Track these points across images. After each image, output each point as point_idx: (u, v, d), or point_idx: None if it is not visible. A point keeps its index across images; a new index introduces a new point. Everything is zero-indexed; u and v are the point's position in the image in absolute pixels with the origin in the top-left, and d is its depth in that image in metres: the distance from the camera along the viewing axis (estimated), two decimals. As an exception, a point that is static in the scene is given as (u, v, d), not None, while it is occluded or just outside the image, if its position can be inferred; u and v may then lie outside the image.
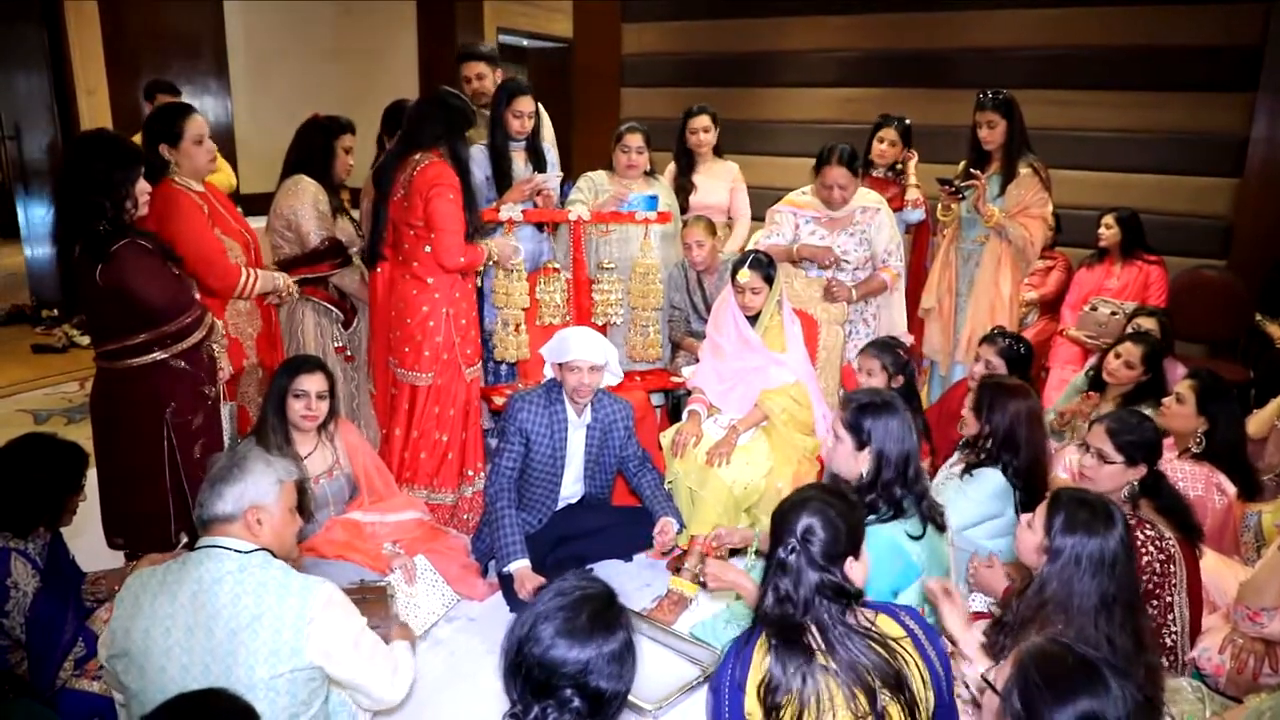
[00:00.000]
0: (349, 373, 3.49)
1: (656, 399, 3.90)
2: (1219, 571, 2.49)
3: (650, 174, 3.81)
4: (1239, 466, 2.79)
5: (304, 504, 2.04)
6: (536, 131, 3.65)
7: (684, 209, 4.02)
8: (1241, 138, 4.84)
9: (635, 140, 3.68)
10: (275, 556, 1.77)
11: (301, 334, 3.37)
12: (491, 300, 3.50)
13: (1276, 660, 2.20)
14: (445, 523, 3.21)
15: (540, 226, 3.68)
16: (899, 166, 4.26)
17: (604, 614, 1.39)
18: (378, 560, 2.69)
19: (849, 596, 1.58)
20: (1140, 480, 2.32)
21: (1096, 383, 3.34)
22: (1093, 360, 3.67)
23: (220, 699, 1.42)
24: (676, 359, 3.83)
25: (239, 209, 3.23)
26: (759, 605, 1.63)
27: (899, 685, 1.53)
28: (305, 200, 3.28)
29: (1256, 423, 3.07)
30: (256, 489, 1.77)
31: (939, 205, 3.88)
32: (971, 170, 3.70)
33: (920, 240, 4.45)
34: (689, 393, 3.47)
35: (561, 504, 3.09)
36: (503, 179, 3.57)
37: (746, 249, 3.59)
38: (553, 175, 3.63)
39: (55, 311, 5.91)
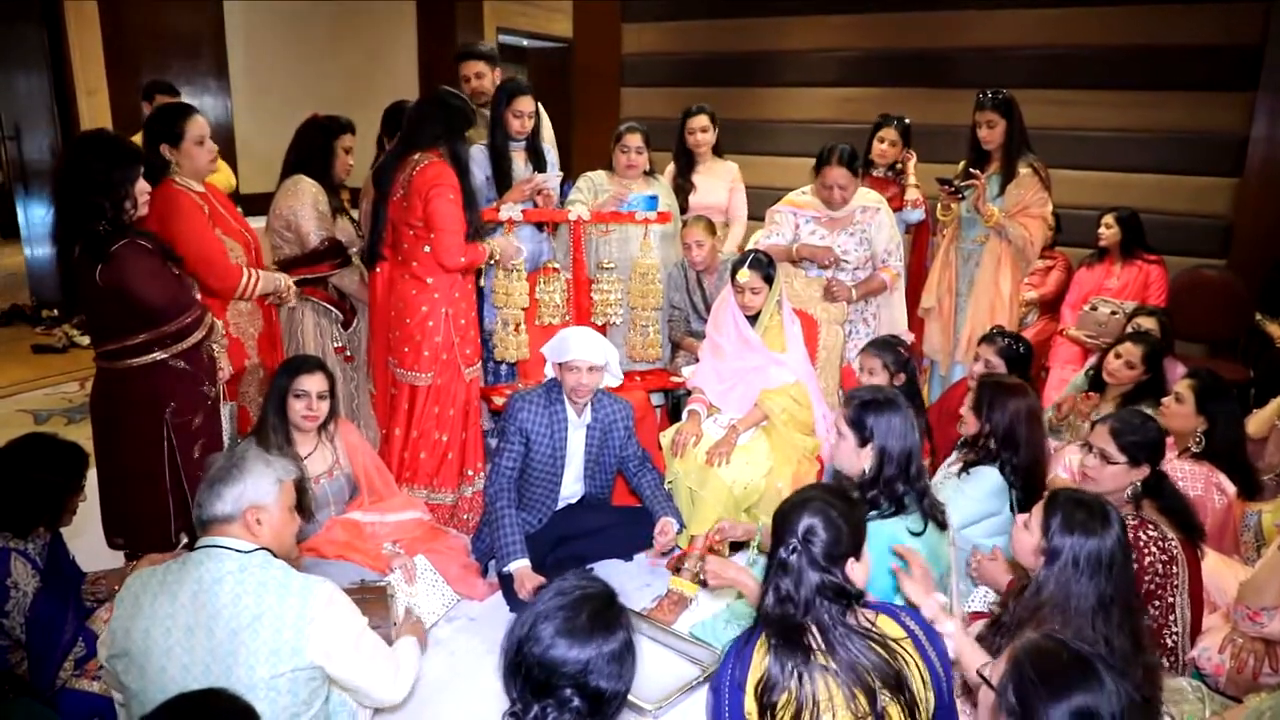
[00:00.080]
0: (349, 373, 3.48)
1: (656, 399, 3.90)
2: (1219, 571, 2.49)
3: (650, 174, 3.81)
4: (1239, 466, 2.79)
5: (304, 504, 2.04)
6: (536, 131, 3.65)
7: (683, 209, 4.02)
8: (1241, 137, 4.84)
9: (635, 140, 3.68)
10: (275, 556, 1.77)
11: (301, 334, 3.36)
12: (491, 300, 3.50)
13: (1276, 660, 2.20)
14: (445, 523, 3.21)
15: (540, 226, 3.68)
16: (899, 166, 4.26)
17: (604, 614, 1.39)
18: (378, 560, 2.69)
19: (850, 597, 1.58)
20: (1143, 481, 2.31)
21: (1096, 382, 3.34)
22: (1093, 360, 3.67)
23: (220, 699, 1.42)
24: (676, 359, 3.83)
25: (239, 209, 3.22)
26: (760, 605, 1.63)
27: (899, 686, 1.53)
28: (305, 200, 3.28)
29: (1256, 422, 3.07)
30: (255, 489, 1.77)
31: (939, 205, 3.88)
32: (971, 170, 3.70)
33: (920, 240, 4.45)
34: (689, 393, 3.47)
35: (561, 504, 3.10)
36: (503, 179, 3.57)
37: (746, 248, 3.59)
38: (553, 175, 3.62)
39: (55, 311, 5.91)
